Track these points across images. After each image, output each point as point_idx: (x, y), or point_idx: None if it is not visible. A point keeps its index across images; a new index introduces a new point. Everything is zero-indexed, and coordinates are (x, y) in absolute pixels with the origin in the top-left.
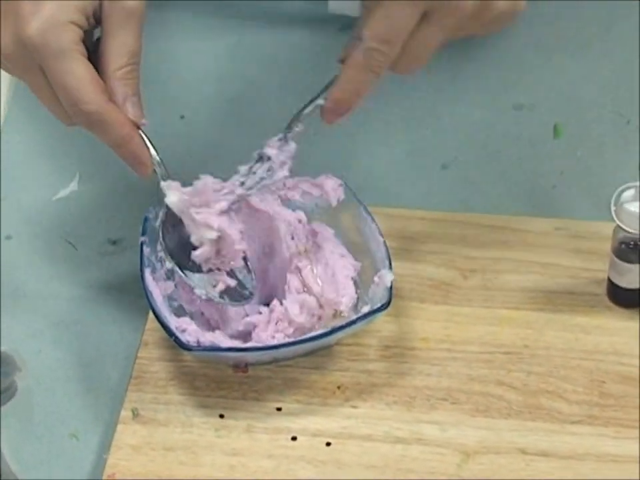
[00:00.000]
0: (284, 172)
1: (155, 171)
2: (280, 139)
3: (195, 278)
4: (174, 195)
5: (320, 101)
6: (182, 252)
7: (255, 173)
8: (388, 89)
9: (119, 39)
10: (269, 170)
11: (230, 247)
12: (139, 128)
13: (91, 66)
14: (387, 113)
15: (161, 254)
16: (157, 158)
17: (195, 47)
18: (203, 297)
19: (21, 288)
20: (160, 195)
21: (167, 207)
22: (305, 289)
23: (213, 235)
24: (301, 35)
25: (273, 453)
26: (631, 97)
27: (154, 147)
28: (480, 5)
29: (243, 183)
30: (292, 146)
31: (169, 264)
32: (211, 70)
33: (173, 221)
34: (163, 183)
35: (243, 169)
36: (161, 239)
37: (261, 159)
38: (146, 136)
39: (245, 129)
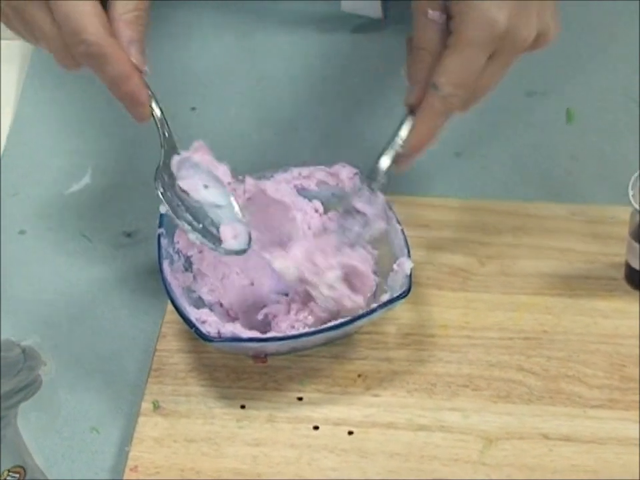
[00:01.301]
0: (382, 224)
1: (156, 123)
2: (369, 191)
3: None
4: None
5: (398, 149)
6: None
7: (350, 230)
8: (401, 77)
9: None
10: (365, 225)
11: None
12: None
13: (97, 2)
14: (400, 102)
15: (178, 246)
16: (159, 113)
17: (207, 43)
18: (197, 242)
19: (37, 283)
20: (163, 145)
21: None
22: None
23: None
24: (313, 33)
25: (295, 442)
26: None
27: (157, 102)
28: (537, 36)
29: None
30: (380, 197)
31: (164, 208)
32: (222, 64)
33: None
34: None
35: (334, 222)
36: (158, 184)
37: (350, 213)
38: (149, 88)
39: (254, 121)
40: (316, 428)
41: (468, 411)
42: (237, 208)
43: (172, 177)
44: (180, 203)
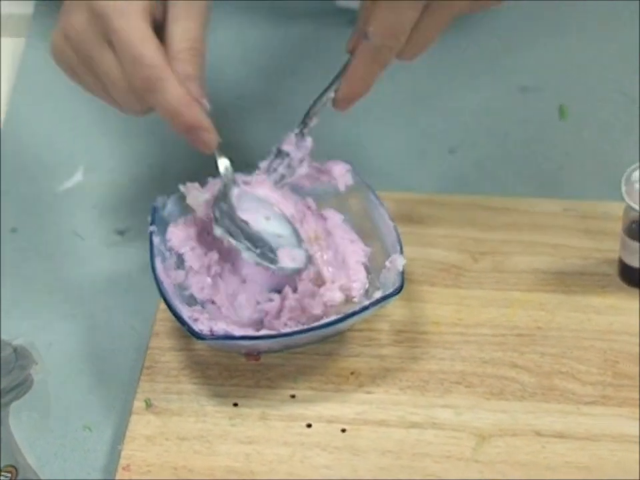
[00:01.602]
0: (303, 168)
1: (216, 154)
2: (296, 134)
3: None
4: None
5: (330, 94)
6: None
7: (275, 170)
8: (393, 74)
9: (182, 24)
10: (288, 167)
11: None
12: None
13: (152, 31)
14: (392, 97)
15: (170, 243)
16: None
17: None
18: (251, 261)
19: (28, 281)
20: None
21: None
22: (316, 276)
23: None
24: (308, 27)
25: (288, 440)
26: (635, 77)
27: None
28: None
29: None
30: (308, 141)
31: (218, 230)
32: (217, 59)
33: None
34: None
35: (263, 165)
36: (215, 211)
37: (280, 154)
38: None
39: (252, 116)
40: (309, 425)
41: (461, 408)
42: (298, 237)
43: (231, 208)
44: (238, 231)
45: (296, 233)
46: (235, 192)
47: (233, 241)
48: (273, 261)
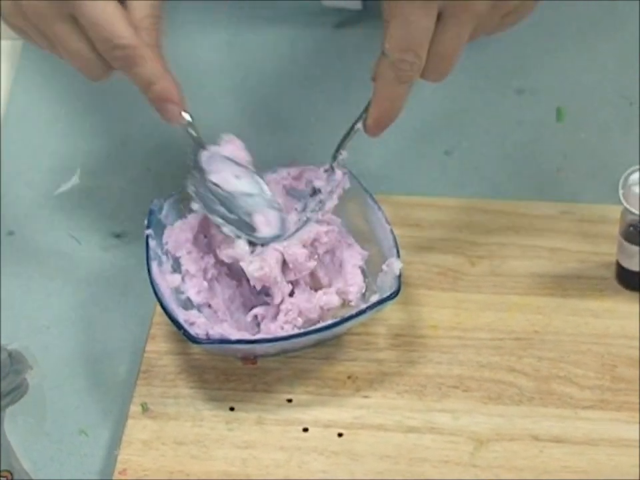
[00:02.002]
0: (333, 201)
1: (187, 128)
2: (326, 170)
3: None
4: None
5: (359, 125)
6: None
7: (308, 207)
8: None
9: None
10: (320, 202)
11: None
12: None
13: (121, 8)
14: None
15: (167, 247)
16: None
17: (192, 41)
18: (232, 235)
19: (25, 284)
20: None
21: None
22: (313, 280)
23: None
24: (296, 30)
25: (285, 444)
26: (633, 79)
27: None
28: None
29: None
30: (338, 174)
31: (195, 205)
32: (208, 62)
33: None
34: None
35: (299, 206)
36: (189, 182)
37: (314, 193)
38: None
39: (242, 121)
40: (305, 430)
41: (458, 413)
42: (269, 194)
43: (202, 173)
44: (212, 197)
45: (264, 189)
46: (204, 155)
47: (211, 217)
48: (252, 229)
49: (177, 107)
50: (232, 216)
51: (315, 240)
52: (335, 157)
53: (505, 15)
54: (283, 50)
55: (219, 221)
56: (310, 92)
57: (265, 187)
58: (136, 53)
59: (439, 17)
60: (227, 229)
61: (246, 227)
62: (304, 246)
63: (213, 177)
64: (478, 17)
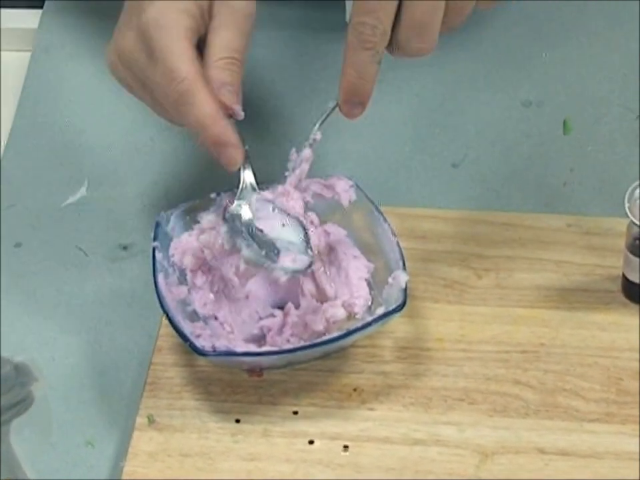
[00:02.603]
0: (295, 176)
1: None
2: (297, 150)
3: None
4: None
5: (331, 104)
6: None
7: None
8: (397, 87)
9: (223, 34)
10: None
11: None
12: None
13: (193, 50)
14: (395, 112)
15: (173, 259)
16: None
17: None
18: (250, 258)
19: (32, 296)
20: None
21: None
22: (319, 292)
23: None
24: (316, 41)
25: (291, 457)
26: (639, 91)
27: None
28: None
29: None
30: (307, 152)
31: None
32: None
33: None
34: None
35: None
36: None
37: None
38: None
39: (250, 134)
40: (311, 442)
41: (464, 425)
42: (308, 243)
43: (249, 215)
44: (250, 238)
45: (307, 239)
46: (254, 200)
47: (237, 240)
48: (273, 261)
49: (236, 151)
50: (262, 251)
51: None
52: (308, 138)
53: None
54: (299, 61)
55: (243, 243)
56: (319, 105)
57: (308, 236)
58: (189, 88)
59: None
60: (246, 252)
61: (268, 259)
62: None
63: (260, 224)
64: None
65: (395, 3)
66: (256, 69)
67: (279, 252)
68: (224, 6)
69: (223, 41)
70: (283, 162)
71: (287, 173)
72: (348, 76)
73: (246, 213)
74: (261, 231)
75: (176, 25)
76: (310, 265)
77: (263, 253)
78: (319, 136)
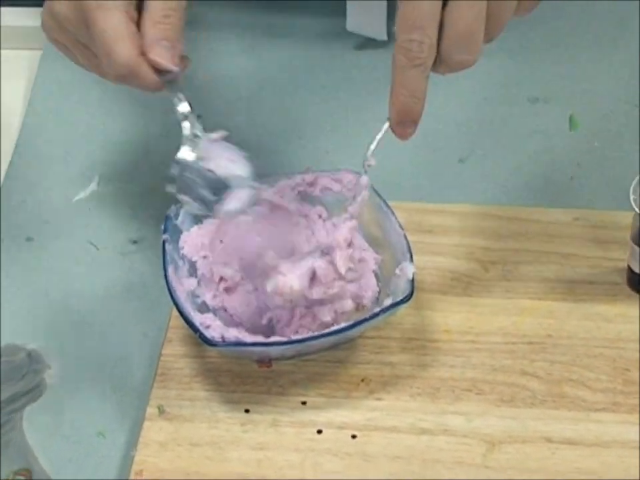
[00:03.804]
0: (357, 205)
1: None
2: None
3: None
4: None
5: (385, 126)
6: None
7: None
8: None
9: None
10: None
11: None
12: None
13: (130, 21)
14: None
15: (183, 251)
16: (188, 110)
17: (215, 54)
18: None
19: (44, 289)
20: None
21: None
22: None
23: None
24: (315, 50)
25: (299, 446)
26: None
27: (179, 99)
28: None
29: None
30: (364, 179)
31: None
32: (229, 73)
33: None
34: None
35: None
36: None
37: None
38: (173, 86)
39: (259, 129)
40: (319, 432)
41: (471, 415)
42: (251, 173)
43: (198, 159)
44: (200, 181)
45: (253, 171)
46: (204, 142)
47: (181, 197)
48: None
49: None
50: (213, 198)
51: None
52: (363, 165)
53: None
54: (300, 64)
55: (186, 199)
56: (325, 101)
57: (251, 168)
58: (131, 71)
59: None
60: (187, 208)
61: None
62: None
63: (210, 164)
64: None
65: (439, 16)
66: (262, 73)
67: (230, 187)
68: None
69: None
70: (288, 156)
71: (346, 203)
72: (400, 96)
73: (190, 156)
74: (211, 171)
75: None
76: (253, 198)
77: (213, 197)
78: (373, 162)
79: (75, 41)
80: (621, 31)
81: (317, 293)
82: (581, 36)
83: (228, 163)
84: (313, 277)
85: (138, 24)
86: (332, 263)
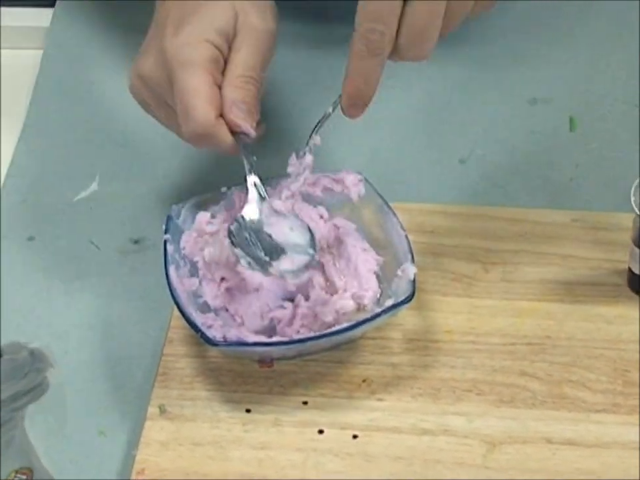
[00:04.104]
0: (299, 183)
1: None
2: (298, 156)
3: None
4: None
5: (329, 110)
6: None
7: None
8: (405, 84)
9: (241, 52)
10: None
11: None
12: (244, 134)
13: (212, 82)
14: (403, 108)
15: (184, 251)
16: (257, 180)
17: None
18: (246, 266)
19: (45, 289)
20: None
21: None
22: (328, 285)
23: None
24: (315, 53)
25: (301, 446)
26: None
27: (251, 164)
28: None
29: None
30: (308, 159)
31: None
32: None
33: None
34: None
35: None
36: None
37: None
38: (247, 150)
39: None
40: (321, 432)
41: (472, 416)
42: (313, 244)
43: (259, 222)
44: (257, 244)
45: (313, 240)
46: (264, 207)
47: (234, 249)
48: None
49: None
50: (267, 259)
51: None
52: (307, 142)
53: None
54: (297, 72)
55: (238, 252)
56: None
57: (314, 237)
58: (206, 133)
59: None
60: (243, 262)
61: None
62: None
63: (268, 229)
64: None
65: (400, 9)
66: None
67: (286, 253)
68: (245, 25)
69: (240, 60)
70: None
71: (289, 179)
72: (354, 82)
73: (254, 215)
74: (270, 236)
75: (198, 58)
76: (309, 264)
77: (267, 258)
78: (318, 141)
79: (160, 100)
80: (620, 32)
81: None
82: (580, 37)
83: (288, 230)
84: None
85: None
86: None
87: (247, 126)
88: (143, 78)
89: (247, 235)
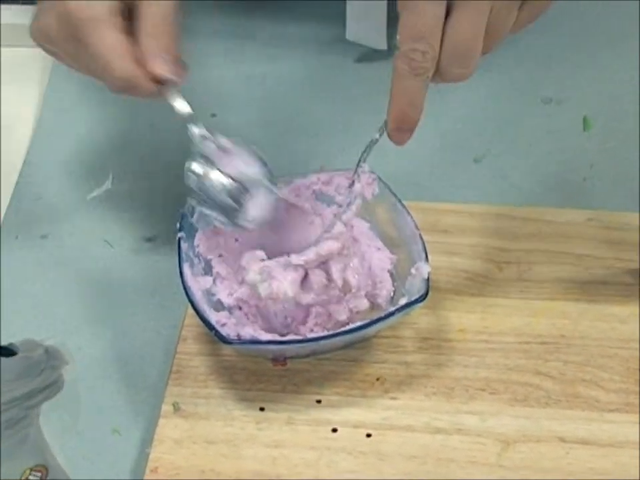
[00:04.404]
0: (351, 213)
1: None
2: (349, 185)
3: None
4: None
5: (376, 136)
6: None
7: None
8: None
9: (152, 3)
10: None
11: None
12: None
13: (121, 35)
14: None
15: (198, 249)
16: (189, 110)
17: (225, 61)
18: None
19: (59, 287)
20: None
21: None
22: (342, 283)
23: None
24: (314, 57)
25: (314, 444)
26: None
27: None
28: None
29: None
30: (357, 187)
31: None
32: (242, 73)
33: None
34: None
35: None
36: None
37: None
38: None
39: (274, 128)
40: (334, 430)
41: (485, 414)
42: (266, 172)
43: (210, 165)
44: (219, 190)
45: (266, 166)
46: (209, 147)
47: (206, 211)
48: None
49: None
50: (234, 205)
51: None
52: (356, 171)
53: (520, 8)
54: (296, 77)
55: (207, 212)
56: (339, 101)
57: (266, 168)
58: (130, 84)
59: (450, 6)
60: (218, 224)
61: (237, 213)
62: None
63: (227, 169)
64: (490, 6)
65: (442, 28)
66: (276, 75)
67: (249, 192)
68: None
69: (153, 6)
70: (302, 155)
71: (340, 208)
72: (399, 104)
73: (202, 163)
74: (227, 175)
75: (101, 15)
76: (274, 202)
77: (235, 204)
78: (366, 169)
79: (66, 52)
80: (635, 32)
81: (305, 299)
82: (595, 37)
83: (243, 166)
84: (305, 281)
85: (128, 28)
86: (327, 272)
87: (170, 74)
88: (46, 35)
89: (206, 183)
